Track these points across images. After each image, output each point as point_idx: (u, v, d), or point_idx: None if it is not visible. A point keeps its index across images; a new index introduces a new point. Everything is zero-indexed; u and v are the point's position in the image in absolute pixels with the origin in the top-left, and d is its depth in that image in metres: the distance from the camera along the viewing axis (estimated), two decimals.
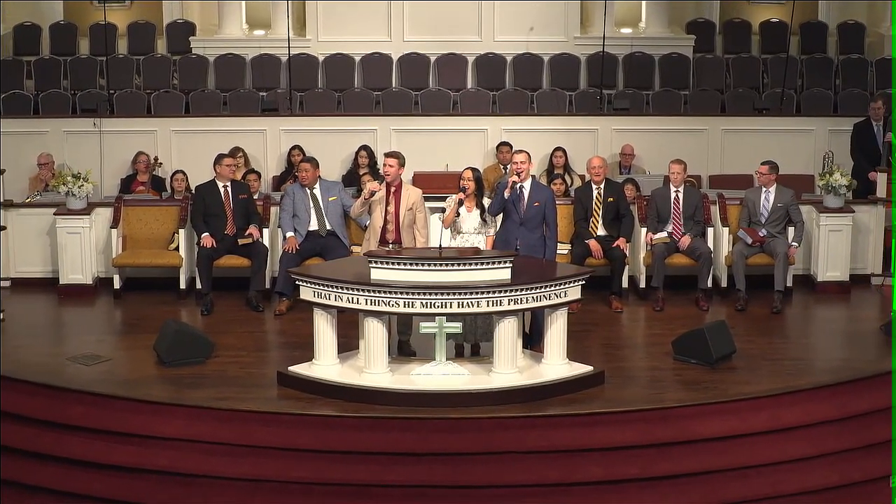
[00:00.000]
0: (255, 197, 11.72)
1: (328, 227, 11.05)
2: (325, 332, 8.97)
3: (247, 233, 11.19)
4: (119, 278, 11.47)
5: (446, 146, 13.57)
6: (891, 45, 16.04)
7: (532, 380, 8.83)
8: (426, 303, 8.61)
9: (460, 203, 9.80)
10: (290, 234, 10.99)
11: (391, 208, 10.40)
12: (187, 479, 8.23)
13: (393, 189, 10.44)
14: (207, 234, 11.06)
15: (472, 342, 9.50)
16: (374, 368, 8.78)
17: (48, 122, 14.01)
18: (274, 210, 11.57)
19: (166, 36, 16.46)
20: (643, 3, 16.39)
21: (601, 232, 11.17)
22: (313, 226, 11.04)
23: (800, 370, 9.29)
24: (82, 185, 11.43)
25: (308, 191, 11.08)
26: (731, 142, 13.99)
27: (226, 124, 14.06)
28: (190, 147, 13.64)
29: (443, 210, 9.98)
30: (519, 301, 8.69)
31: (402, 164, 10.48)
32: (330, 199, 11.11)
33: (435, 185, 12.16)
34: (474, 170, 9.99)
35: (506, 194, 9.81)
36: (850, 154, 13.05)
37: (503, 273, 8.73)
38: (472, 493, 8.12)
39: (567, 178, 12.88)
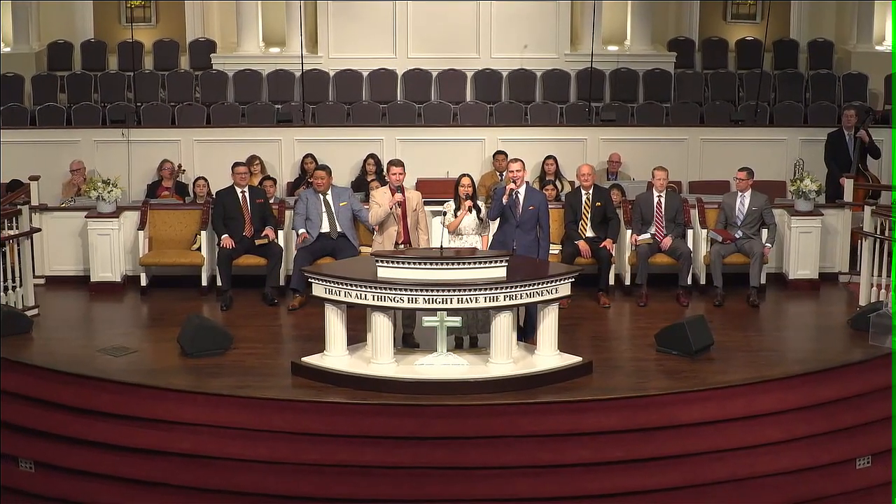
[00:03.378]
0: (271, 201, 11.71)
1: (339, 230, 11.04)
2: (335, 325, 8.97)
3: (263, 234, 11.19)
4: (145, 276, 11.46)
5: (447, 155, 13.54)
6: (857, 61, 16.04)
7: (526, 369, 8.84)
8: (429, 299, 8.62)
9: (470, 210, 9.77)
10: (301, 230, 10.95)
11: (399, 212, 10.40)
12: (208, 461, 8.24)
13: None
14: (227, 235, 11.06)
15: (471, 335, 9.49)
16: (380, 359, 8.79)
17: (80, 133, 13.99)
18: (288, 213, 11.56)
19: (189, 53, 16.46)
20: (628, 22, 16.39)
21: (589, 233, 11.16)
22: (325, 228, 11.03)
23: (773, 361, 9.29)
24: (111, 191, 11.42)
25: (321, 196, 11.07)
26: (710, 151, 13.97)
27: (244, 134, 14.05)
28: (211, 155, 13.63)
29: (442, 213, 9.96)
30: (514, 297, 8.70)
31: (405, 171, 10.52)
32: (341, 204, 11.09)
33: (436, 190, 12.12)
34: (470, 176, 9.99)
35: (504, 201, 9.82)
36: (823, 162, 13.03)
37: (499, 271, 8.74)
38: (470, 473, 8.13)
39: (558, 184, 12.87)
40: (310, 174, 13.18)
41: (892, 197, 11.45)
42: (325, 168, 11.27)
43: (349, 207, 11.10)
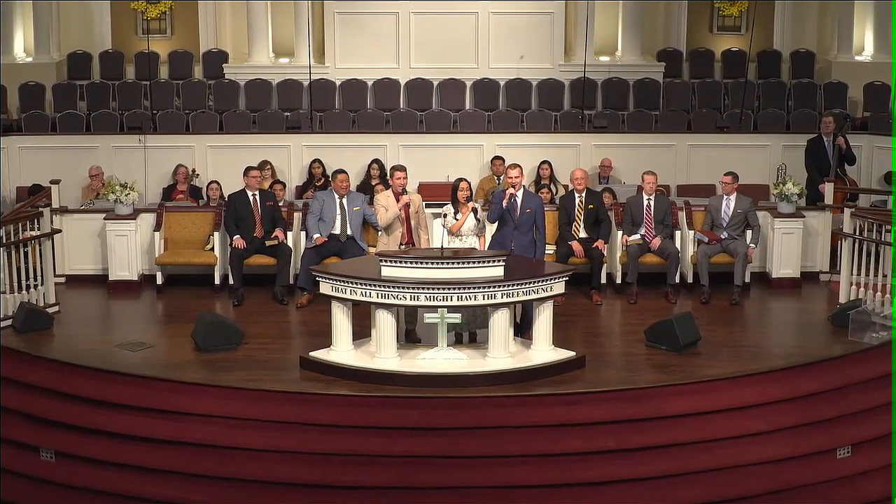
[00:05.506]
0: (280, 204, 11.71)
1: (348, 233, 11.00)
2: (341, 321, 8.97)
3: (273, 235, 11.20)
4: (161, 275, 11.47)
5: (447, 160, 13.56)
6: (837, 71, 16.04)
7: (522, 363, 8.84)
8: (430, 296, 8.63)
9: (475, 211, 9.77)
10: (316, 235, 10.91)
11: (402, 214, 10.40)
12: (220, 450, 8.24)
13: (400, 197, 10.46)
14: (238, 236, 11.06)
15: (470, 331, 9.49)
16: (384, 354, 8.80)
17: (99, 139, 14.00)
18: (297, 215, 11.56)
19: (202, 63, 16.46)
20: (619, 34, 16.39)
21: (582, 234, 11.17)
22: (336, 230, 11.00)
23: (756, 355, 9.29)
24: (129, 194, 11.43)
25: (337, 199, 11.05)
26: (696, 156, 13.97)
27: (255, 140, 14.06)
28: (223, 160, 13.63)
29: (442, 215, 9.96)
30: (510, 295, 8.70)
31: (407, 175, 10.53)
32: (354, 208, 11.04)
33: (437, 193, 12.18)
34: (467, 181, 9.99)
35: (504, 204, 9.82)
36: (804, 166, 13.05)
37: (497, 270, 8.74)
38: (469, 462, 8.13)
39: (552, 187, 12.86)
40: (317, 178, 13.23)
41: (892, 202, 11.39)
42: (345, 172, 11.23)
43: (361, 213, 11.04)
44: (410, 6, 15.89)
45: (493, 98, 15.61)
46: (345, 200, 11.02)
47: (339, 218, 10.97)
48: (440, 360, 8.83)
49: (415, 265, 8.73)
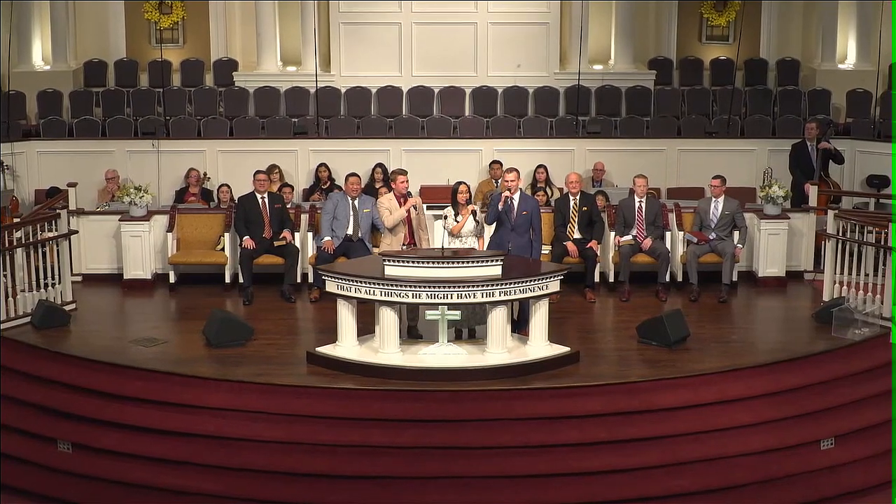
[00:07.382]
0: (288, 206, 11.72)
1: (360, 235, 11.00)
2: (346, 318, 8.98)
3: (281, 236, 11.20)
4: (174, 274, 11.47)
5: (447, 164, 13.57)
6: (821, 78, 16.04)
7: (519, 358, 8.85)
8: (431, 294, 8.64)
9: (474, 213, 9.79)
10: (327, 238, 10.93)
11: (406, 216, 10.41)
12: (231, 442, 8.25)
13: (402, 200, 10.46)
14: (248, 237, 11.06)
15: (470, 327, 9.49)
16: (387, 349, 8.81)
17: (114, 144, 14.03)
18: (304, 217, 11.57)
19: (213, 71, 16.46)
20: (612, 44, 16.40)
21: (577, 235, 11.18)
22: (349, 230, 10.98)
23: (743, 351, 9.29)
24: (143, 196, 11.44)
25: (350, 200, 11.05)
26: (686, 160, 13.99)
27: (263, 145, 14.08)
28: (233, 164, 13.65)
29: (443, 217, 9.96)
30: (508, 293, 8.71)
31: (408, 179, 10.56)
32: (364, 210, 11.04)
33: (438, 196, 12.18)
34: (466, 184, 10.00)
35: (500, 207, 9.83)
36: (788, 170, 13.05)
37: (495, 270, 8.75)
38: (468, 453, 8.13)
39: (548, 190, 12.88)
40: (323, 181, 13.24)
41: (892, 205, 11.38)
42: (357, 175, 11.23)
43: (370, 215, 11.04)
44: (413, 17, 15.90)
45: (492, 105, 15.62)
46: (356, 202, 11.03)
47: (351, 218, 10.97)
48: (441, 355, 8.85)
49: (417, 265, 8.74)
